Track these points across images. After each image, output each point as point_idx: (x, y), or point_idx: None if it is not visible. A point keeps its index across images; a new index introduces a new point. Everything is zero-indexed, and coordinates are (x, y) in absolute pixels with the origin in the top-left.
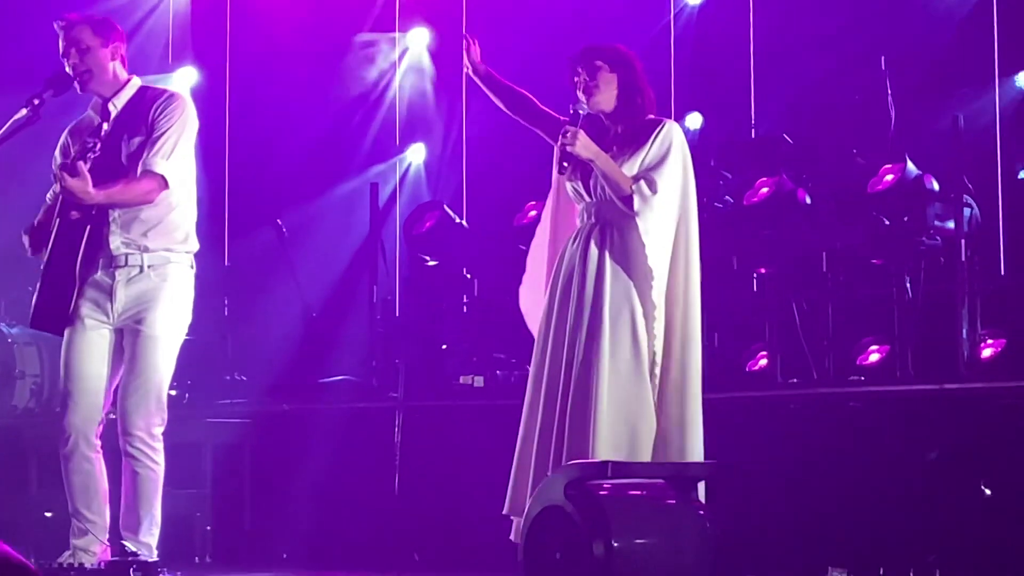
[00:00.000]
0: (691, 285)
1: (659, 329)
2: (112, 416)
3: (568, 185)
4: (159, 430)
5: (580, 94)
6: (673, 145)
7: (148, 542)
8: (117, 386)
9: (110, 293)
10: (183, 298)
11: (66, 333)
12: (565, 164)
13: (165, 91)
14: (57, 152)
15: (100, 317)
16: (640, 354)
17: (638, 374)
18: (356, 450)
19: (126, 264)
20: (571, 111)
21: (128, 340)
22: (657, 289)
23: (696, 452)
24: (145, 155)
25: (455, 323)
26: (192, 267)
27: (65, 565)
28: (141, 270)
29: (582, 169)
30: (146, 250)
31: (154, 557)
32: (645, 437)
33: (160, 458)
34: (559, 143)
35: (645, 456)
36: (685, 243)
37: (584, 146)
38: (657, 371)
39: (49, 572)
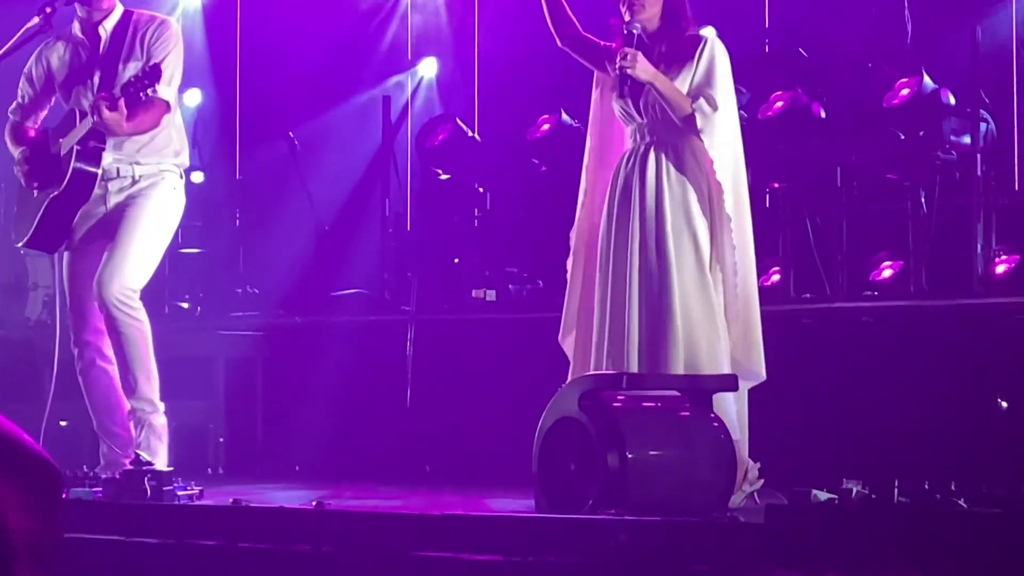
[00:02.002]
0: (742, 199)
1: (727, 240)
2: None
3: (616, 106)
4: (134, 293)
5: (624, 11)
6: (718, 59)
7: (149, 397)
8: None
9: (104, 204)
10: (173, 205)
11: (65, 256)
12: (626, 87)
13: (155, 17)
14: (33, 73)
15: (96, 230)
16: (704, 269)
17: (704, 288)
18: (368, 363)
19: (118, 176)
20: (625, 32)
21: (113, 226)
22: (729, 203)
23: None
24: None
25: (467, 237)
26: (182, 179)
27: (79, 475)
28: (133, 181)
29: (632, 90)
30: (137, 163)
31: (159, 412)
32: (719, 351)
33: (141, 315)
34: (617, 65)
35: (723, 369)
36: (738, 159)
37: (643, 68)
38: (720, 286)
39: (66, 480)
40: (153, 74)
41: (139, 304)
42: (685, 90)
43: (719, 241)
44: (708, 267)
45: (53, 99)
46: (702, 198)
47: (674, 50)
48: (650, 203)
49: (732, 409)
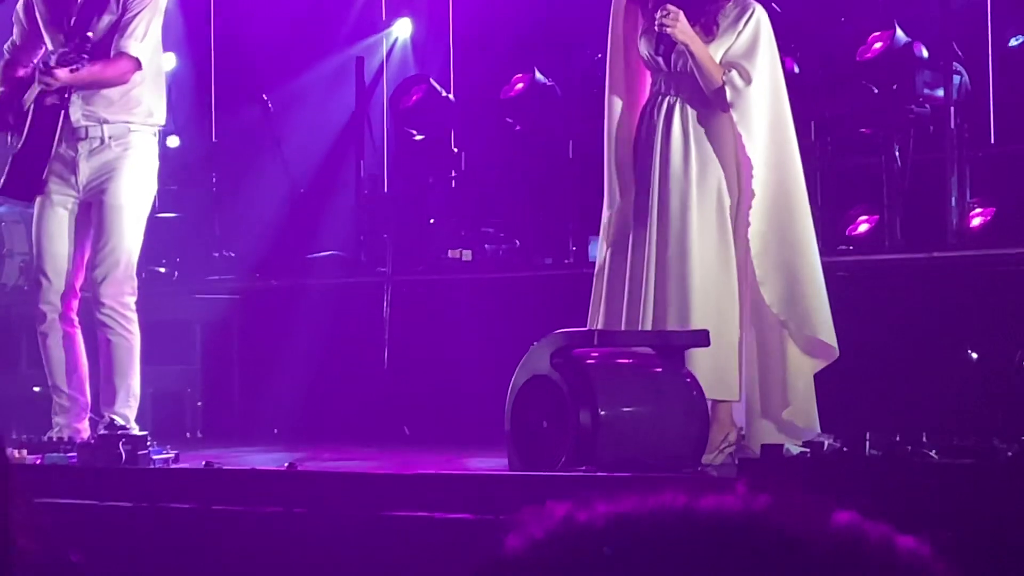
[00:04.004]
0: (786, 178)
1: (756, 216)
2: (86, 293)
3: (643, 47)
4: (131, 299)
5: None
6: (763, 31)
7: (126, 413)
8: (89, 260)
9: (74, 167)
10: (147, 168)
11: (36, 210)
12: (661, 45)
13: None
14: (22, 13)
15: (66, 191)
16: (726, 233)
17: (724, 249)
18: (345, 325)
19: (87, 136)
20: None
21: (94, 211)
22: (757, 179)
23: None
24: (119, 38)
25: (442, 197)
26: (155, 137)
27: (55, 439)
28: (102, 141)
29: (666, 42)
30: (106, 122)
31: (133, 428)
32: (730, 316)
33: (134, 328)
34: (657, 21)
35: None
36: (782, 129)
37: (683, 29)
38: (756, 263)
39: (38, 446)
40: (81, 46)
41: (135, 315)
42: (719, 57)
43: (741, 213)
44: (730, 231)
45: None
46: (727, 166)
47: (713, 15)
48: (676, 162)
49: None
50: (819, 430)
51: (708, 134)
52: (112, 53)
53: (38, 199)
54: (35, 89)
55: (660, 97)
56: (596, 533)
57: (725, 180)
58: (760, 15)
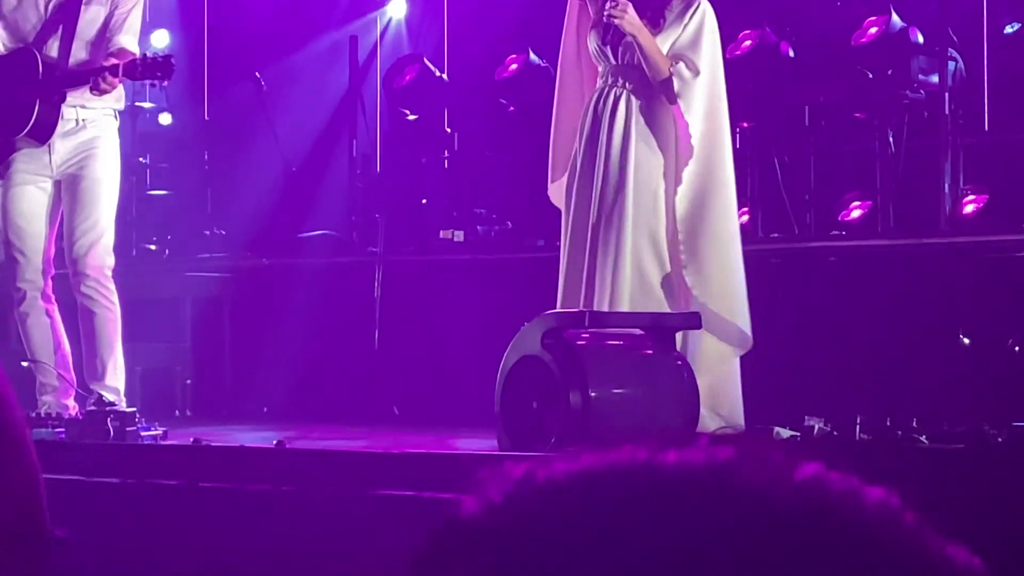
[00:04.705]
0: (716, 167)
1: (682, 205)
2: (62, 270)
3: (592, 41)
4: (109, 272)
5: None
6: (707, 25)
7: (114, 386)
8: (61, 239)
9: (48, 145)
10: (116, 147)
11: (4, 191)
12: (608, 35)
13: None
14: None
15: (40, 171)
16: (660, 222)
17: (656, 236)
18: (336, 304)
19: (62, 118)
20: None
21: (70, 188)
22: (688, 167)
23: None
24: (118, 33)
25: (435, 177)
26: (117, 119)
27: (43, 415)
28: (76, 123)
29: (614, 37)
30: (83, 107)
31: (123, 402)
32: (664, 297)
33: (115, 299)
34: (605, 12)
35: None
36: (717, 119)
37: (631, 20)
38: (682, 248)
39: (28, 422)
40: (165, 71)
41: (113, 287)
42: (665, 49)
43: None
44: (663, 218)
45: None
46: (668, 156)
47: (659, 7)
48: (615, 152)
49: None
50: (743, 422)
51: (650, 125)
52: (112, 48)
53: (5, 181)
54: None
55: (607, 88)
56: (555, 491)
57: (664, 170)
58: (705, 8)
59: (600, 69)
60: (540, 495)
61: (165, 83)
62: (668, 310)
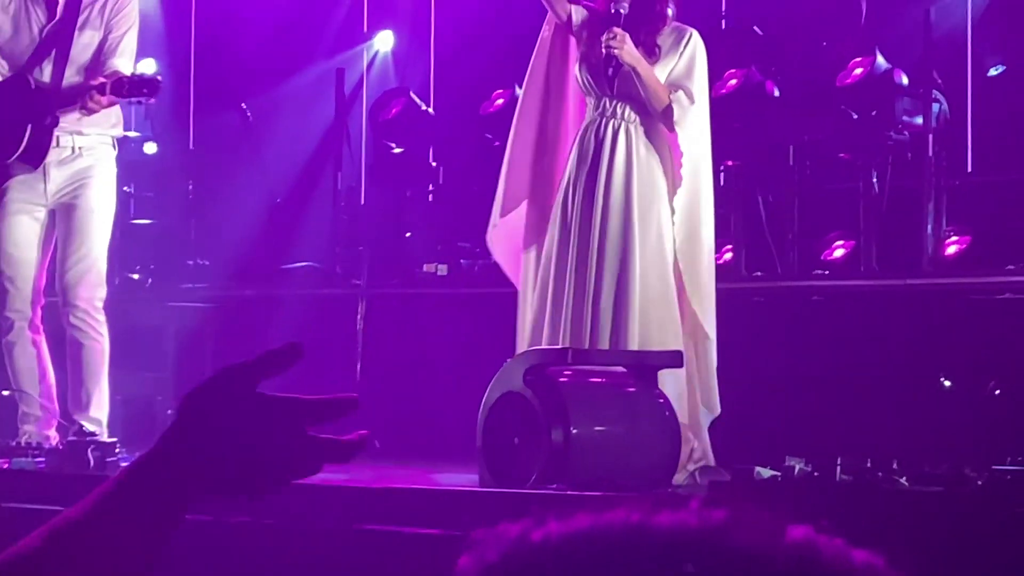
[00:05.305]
0: (700, 196)
1: (679, 233)
2: (52, 298)
3: (582, 73)
4: (100, 303)
5: None
6: (699, 57)
7: (98, 417)
8: (53, 267)
9: (43, 175)
10: (112, 176)
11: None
12: (610, 68)
13: None
14: None
15: (34, 199)
16: (664, 252)
17: (663, 270)
18: (318, 336)
19: (58, 145)
20: (612, 11)
21: (64, 217)
22: (680, 200)
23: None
24: (112, 57)
25: (420, 211)
26: (115, 148)
27: (23, 444)
28: (73, 151)
29: (611, 65)
30: (79, 133)
31: (105, 434)
32: (670, 333)
33: (104, 331)
34: (604, 44)
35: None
36: (707, 148)
37: (629, 51)
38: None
39: (6, 451)
40: (151, 89)
41: (103, 319)
42: (663, 78)
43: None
44: (669, 251)
45: None
46: (669, 185)
47: (653, 39)
48: (617, 183)
49: (680, 390)
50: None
51: (651, 156)
52: (106, 71)
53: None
54: (63, 109)
55: (602, 120)
56: (551, 552)
57: (664, 198)
58: (697, 39)
59: (591, 101)
60: (536, 556)
61: (151, 100)
62: (677, 346)
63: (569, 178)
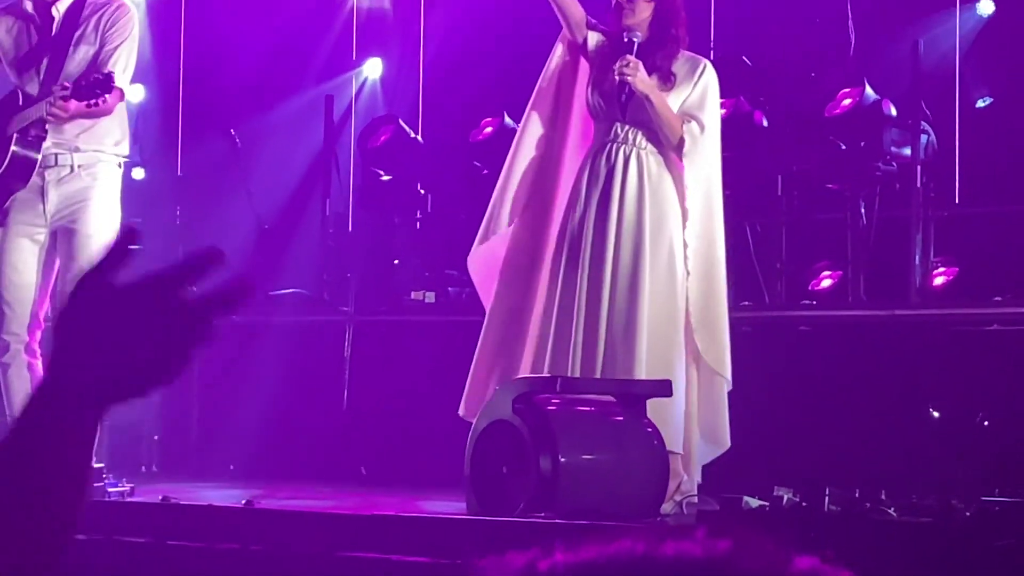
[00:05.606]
0: (712, 229)
1: (693, 269)
2: (49, 322)
3: (594, 96)
4: None
5: (617, 13)
6: (712, 87)
7: None
8: (54, 289)
9: (42, 195)
10: (114, 198)
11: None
12: (624, 94)
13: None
14: None
15: (34, 220)
16: (675, 281)
17: (672, 300)
18: (305, 363)
19: (56, 164)
20: (625, 39)
21: (63, 240)
22: (691, 231)
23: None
24: (104, 70)
25: (407, 238)
26: (120, 168)
27: None
28: (71, 170)
29: (626, 92)
30: (76, 150)
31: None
32: (675, 366)
33: None
34: (616, 71)
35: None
36: (718, 182)
37: (643, 79)
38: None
39: None
40: (106, 83)
41: None
42: (676, 107)
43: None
44: (680, 276)
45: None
46: (681, 211)
47: (667, 68)
48: (630, 208)
49: (677, 419)
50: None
51: (662, 182)
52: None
53: (2, 230)
54: (26, 118)
55: (613, 145)
56: None
57: (675, 227)
58: (711, 69)
59: (601, 126)
60: None
61: (105, 97)
62: (682, 380)
63: (579, 202)
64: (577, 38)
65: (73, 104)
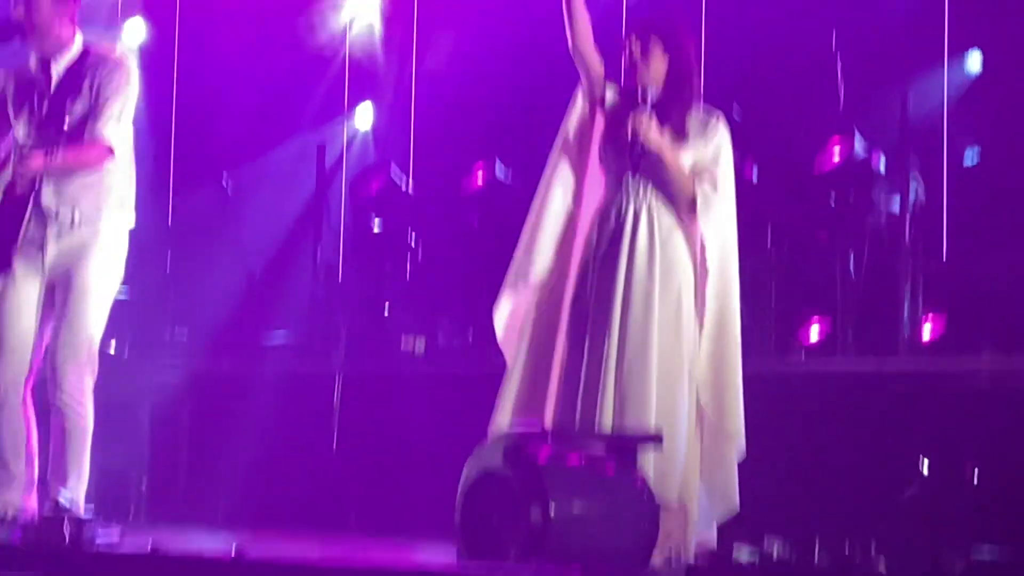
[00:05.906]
0: (727, 287)
1: (708, 328)
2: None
3: (607, 150)
4: (90, 383)
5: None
6: (725, 144)
7: (75, 497)
8: (48, 340)
9: (42, 247)
10: (115, 254)
11: (3, 285)
12: (636, 151)
13: (110, 55)
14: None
15: (33, 271)
16: (681, 327)
17: (679, 357)
18: (295, 412)
19: (56, 219)
20: (641, 99)
21: (59, 293)
22: (711, 290)
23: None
24: (92, 122)
25: (398, 286)
26: (126, 231)
27: (0, 516)
28: (72, 224)
29: (631, 145)
30: (77, 205)
31: (81, 509)
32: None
33: (89, 412)
34: (630, 129)
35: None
36: (733, 238)
37: (655, 137)
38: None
39: None
40: (55, 134)
41: (90, 400)
42: (690, 163)
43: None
44: (687, 327)
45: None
46: (693, 266)
47: (680, 123)
48: (640, 260)
49: (674, 472)
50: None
51: (673, 236)
52: (86, 138)
53: (1, 278)
54: (6, 176)
55: (625, 198)
56: None
57: (685, 287)
58: (724, 125)
59: (610, 179)
60: None
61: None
62: (683, 435)
63: (591, 257)
64: (596, 94)
65: (35, 160)
